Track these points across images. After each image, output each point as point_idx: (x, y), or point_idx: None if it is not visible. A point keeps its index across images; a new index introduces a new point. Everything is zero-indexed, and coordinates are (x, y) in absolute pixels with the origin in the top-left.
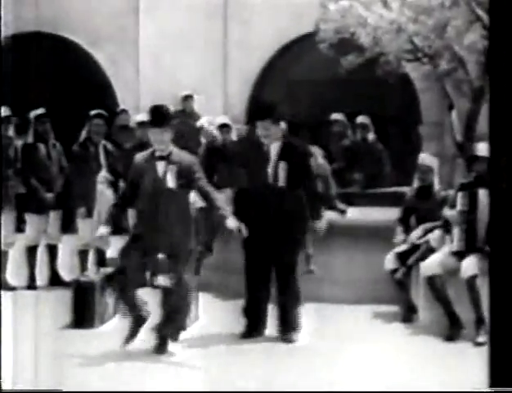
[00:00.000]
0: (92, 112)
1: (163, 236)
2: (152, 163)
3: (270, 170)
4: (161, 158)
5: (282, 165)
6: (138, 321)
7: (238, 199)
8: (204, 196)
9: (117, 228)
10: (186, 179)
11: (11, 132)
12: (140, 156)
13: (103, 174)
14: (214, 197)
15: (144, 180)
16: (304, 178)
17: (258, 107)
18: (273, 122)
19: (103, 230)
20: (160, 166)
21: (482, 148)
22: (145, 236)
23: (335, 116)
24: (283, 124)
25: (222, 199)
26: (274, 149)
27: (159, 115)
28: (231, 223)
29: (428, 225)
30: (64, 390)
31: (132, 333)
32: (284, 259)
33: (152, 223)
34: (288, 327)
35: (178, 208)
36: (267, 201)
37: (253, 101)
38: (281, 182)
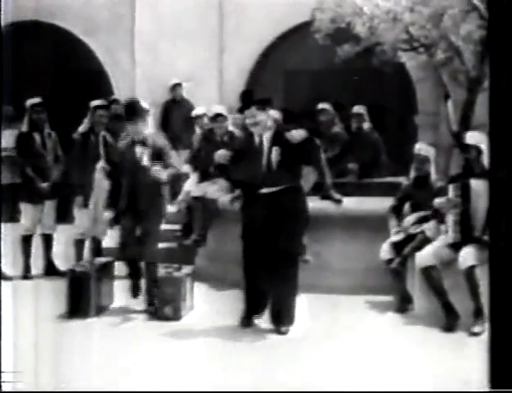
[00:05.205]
0: (96, 102)
1: (140, 205)
2: (132, 148)
3: (264, 161)
4: (138, 143)
5: (275, 150)
6: None
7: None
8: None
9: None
10: (158, 159)
11: None
12: (123, 143)
13: (101, 164)
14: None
15: (126, 162)
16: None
17: (243, 95)
18: (258, 108)
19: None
20: (138, 150)
21: (470, 136)
22: (128, 209)
23: (322, 106)
24: (274, 113)
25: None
26: (266, 140)
27: (131, 110)
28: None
29: (422, 213)
30: (64, 391)
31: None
32: (280, 247)
33: (132, 196)
34: (280, 318)
35: (152, 182)
36: (263, 196)
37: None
38: (274, 166)
